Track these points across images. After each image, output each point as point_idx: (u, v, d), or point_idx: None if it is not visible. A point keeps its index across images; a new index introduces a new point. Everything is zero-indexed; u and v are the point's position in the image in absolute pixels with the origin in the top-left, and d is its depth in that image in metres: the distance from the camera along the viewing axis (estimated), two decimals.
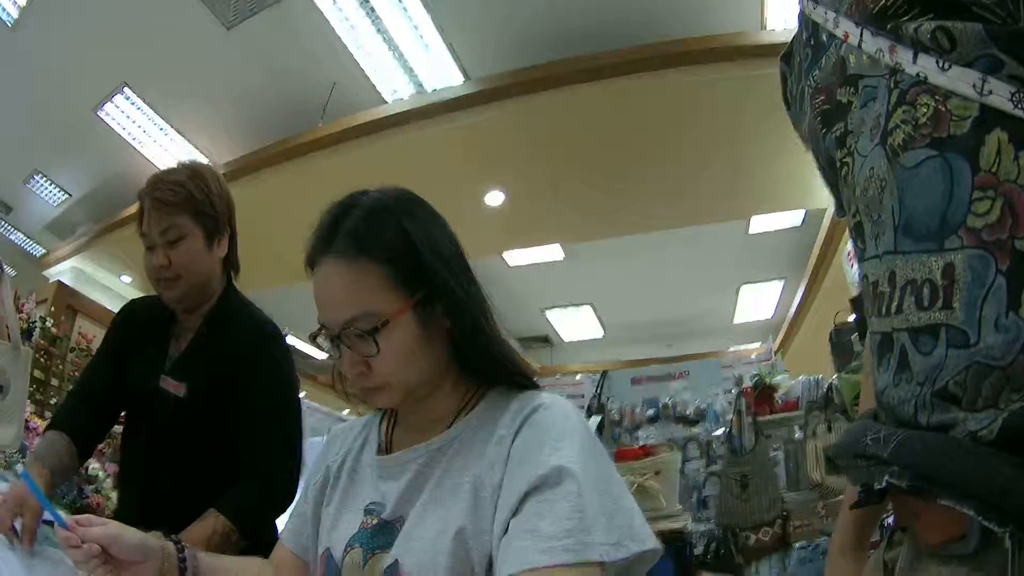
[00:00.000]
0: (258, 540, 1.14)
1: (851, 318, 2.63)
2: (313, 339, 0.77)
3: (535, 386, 0.81)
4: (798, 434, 2.84)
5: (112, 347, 1.43)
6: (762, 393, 3.04)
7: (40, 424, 3.26)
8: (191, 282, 1.28)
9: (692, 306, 6.99)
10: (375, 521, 0.79)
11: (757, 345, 6.57)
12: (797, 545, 2.57)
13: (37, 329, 6.06)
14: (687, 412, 3.62)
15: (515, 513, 0.67)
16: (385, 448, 0.86)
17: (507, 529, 0.67)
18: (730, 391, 3.51)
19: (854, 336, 2.51)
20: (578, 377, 4.78)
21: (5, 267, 1.50)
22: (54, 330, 6.11)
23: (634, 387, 3.95)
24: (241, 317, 1.36)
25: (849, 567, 0.74)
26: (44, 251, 8.45)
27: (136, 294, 1.42)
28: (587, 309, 6.95)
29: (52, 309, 6.29)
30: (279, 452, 1.29)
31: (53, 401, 6.66)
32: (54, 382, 6.00)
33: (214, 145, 4.78)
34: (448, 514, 0.73)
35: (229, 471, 1.23)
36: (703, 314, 7.20)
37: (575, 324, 7.60)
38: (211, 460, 1.27)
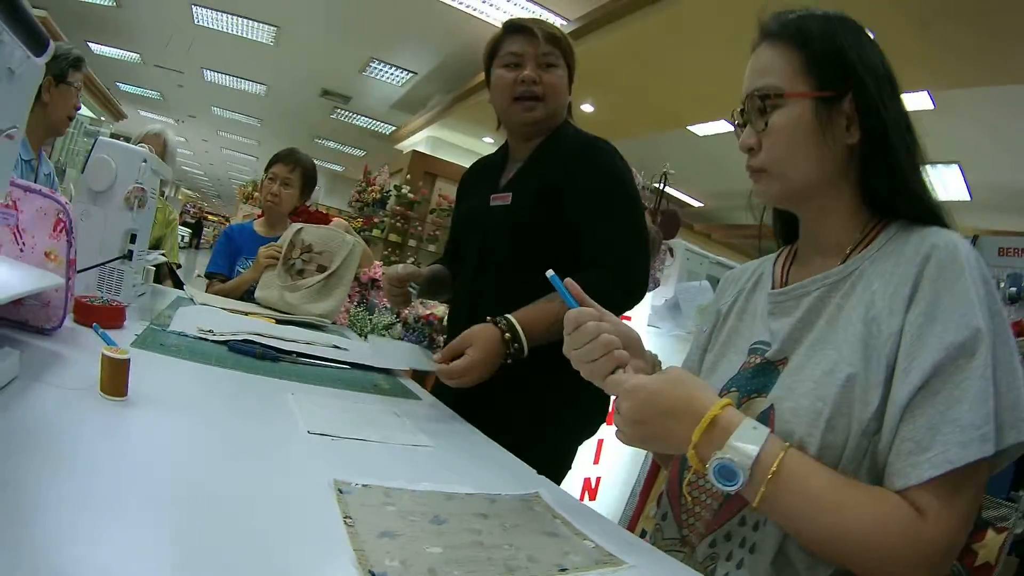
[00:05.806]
0: None
1: None
2: (732, 115, 0.80)
3: (941, 222, 0.71)
4: None
5: (457, 204, 1.55)
6: None
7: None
8: (550, 108, 1.29)
9: None
10: (757, 361, 0.75)
11: None
12: None
13: (392, 196, 7.09)
14: None
15: (922, 386, 0.60)
16: (780, 284, 0.81)
17: (911, 399, 0.60)
18: None
19: None
20: None
21: None
22: (411, 195, 7.02)
23: (1000, 258, 3.23)
24: (571, 135, 1.31)
25: None
26: (394, 127, 9.53)
27: None
28: (954, 168, 5.88)
29: (408, 177, 7.22)
30: (630, 240, 1.19)
31: (410, 259, 7.76)
32: (411, 243, 7.02)
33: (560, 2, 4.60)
34: (838, 356, 0.66)
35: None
36: None
37: (938, 185, 6.38)
38: (537, 276, 0.92)
